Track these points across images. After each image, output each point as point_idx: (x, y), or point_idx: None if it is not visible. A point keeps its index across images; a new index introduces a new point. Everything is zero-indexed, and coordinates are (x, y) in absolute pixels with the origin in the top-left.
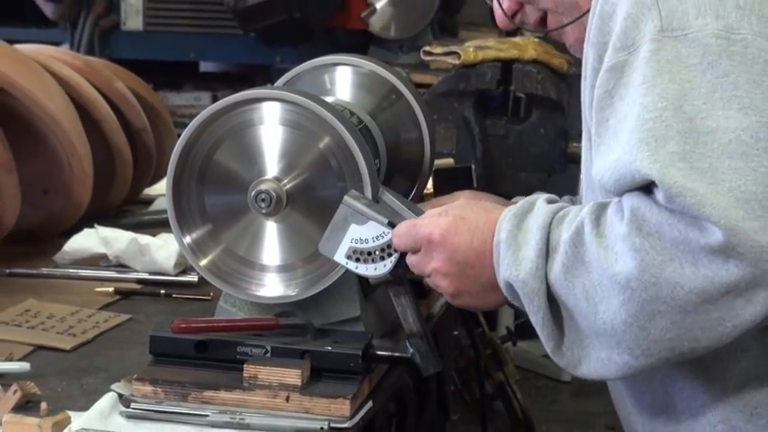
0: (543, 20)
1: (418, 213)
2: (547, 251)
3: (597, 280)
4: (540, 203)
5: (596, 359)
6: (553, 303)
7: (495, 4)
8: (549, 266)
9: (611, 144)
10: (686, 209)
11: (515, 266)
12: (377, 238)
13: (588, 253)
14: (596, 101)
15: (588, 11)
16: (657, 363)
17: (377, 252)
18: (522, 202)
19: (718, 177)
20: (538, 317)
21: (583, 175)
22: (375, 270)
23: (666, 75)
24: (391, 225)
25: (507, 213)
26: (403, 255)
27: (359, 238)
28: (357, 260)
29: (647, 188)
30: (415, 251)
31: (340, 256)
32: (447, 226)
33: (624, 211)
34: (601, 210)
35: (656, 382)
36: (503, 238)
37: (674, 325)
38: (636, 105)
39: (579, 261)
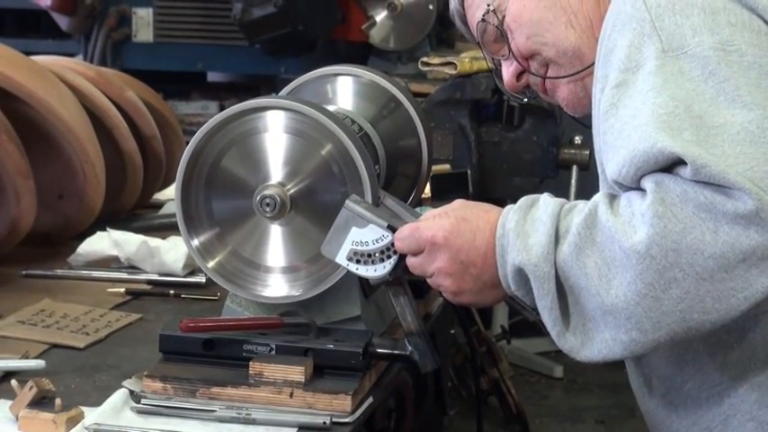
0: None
1: (417, 217)
2: (556, 238)
3: (611, 256)
4: (545, 197)
5: (600, 341)
6: (560, 289)
7: (504, 69)
8: (558, 250)
9: (618, 143)
10: (713, 178)
11: (526, 252)
12: (377, 240)
13: (602, 232)
14: (602, 114)
15: (589, 66)
16: (665, 338)
17: (377, 254)
18: (523, 198)
19: (732, 161)
20: (546, 300)
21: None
22: (375, 271)
23: (673, 83)
24: (391, 228)
25: (510, 209)
26: (402, 256)
27: (359, 241)
28: (357, 261)
29: (668, 169)
30: (418, 253)
31: (341, 258)
32: (450, 228)
33: (647, 187)
34: (613, 196)
35: (683, 393)
36: (511, 228)
37: (687, 295)
38: (647, 105)
39: (591, 241)
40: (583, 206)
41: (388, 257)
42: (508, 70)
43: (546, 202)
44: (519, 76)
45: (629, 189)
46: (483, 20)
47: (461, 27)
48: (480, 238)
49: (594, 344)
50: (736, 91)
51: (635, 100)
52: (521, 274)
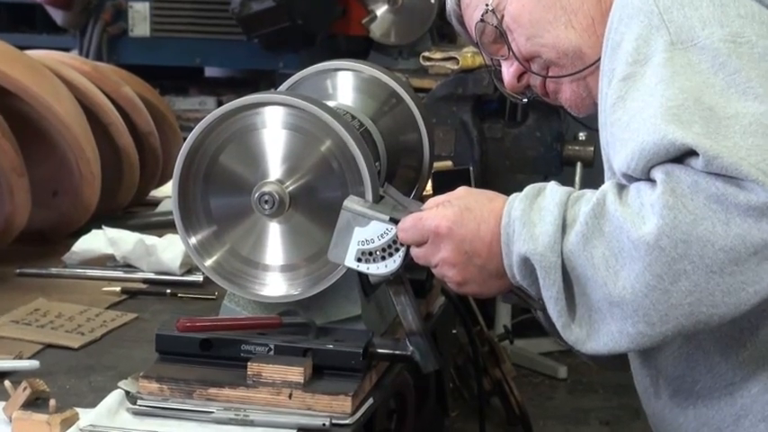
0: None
1: (419, 207)
2: (563, 227)
3: (619, 247)
4: (552, 186)
5: (606, 333)
6: (566, 279)
7: (504, 69)
8: (565, 240)
9: (626, 135)
10: (725, 169)
11: (532, 241)
12: (382, 236)
13: (610, 222)
14: (609, 107)
15: (591, 65)
16: (672, 331)
17: (385, 250)
18: (530, 186)
19: (744, 153)
20: (552, 291)
21: None
22: (386, 267)
23: (682, 76)
24: (393, 221)
25: (516, 197)
26: (409, 247)
27: (365, 240)
28: (367, 261)
29: (679, 160)
30: (422, 244)
31: (350, 261)
32: (453, 217)
33: (656, 177)
34: (622, 185)
35: (693, 394)
36: (516, 216)
37: (696, 287)
38: (656, 97)
39: (599, 231)
40: (591, 195)
41: (397, 250)
42: (509, 71)
43: (553, 191)
44: (520, 76)
45: (638, 181)
46: (482, 20)
47: (458, 28)
48: (485, 227)
49: (600, 336)
50: (748, 83)
51: (643, 93)
52: (526, 264)
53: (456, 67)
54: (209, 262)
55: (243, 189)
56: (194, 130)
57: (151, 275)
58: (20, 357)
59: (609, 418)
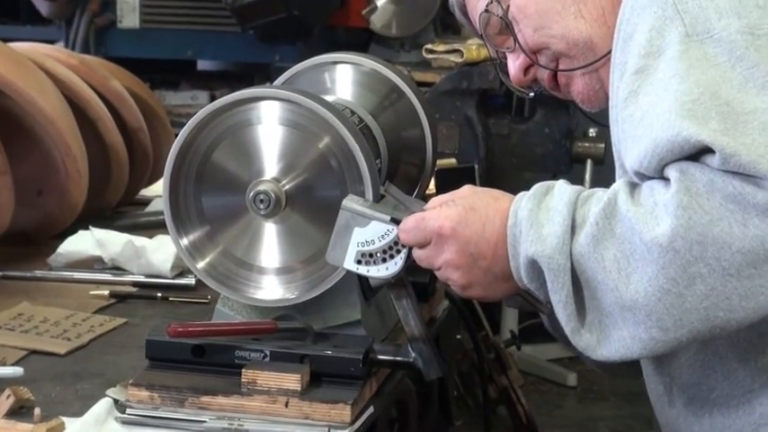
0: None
1: (422, 206)
2: (573, 228)
3: (630, 249)
4: (560, 184)
5: (618, 339)
6: (575, 282)
7: (510, 62)
8: (575, 241)
9: (639, 131)
10: (743, 167)
11: (540, 243)
12: (382, 237)
13: (622, 222)
14: (620, 102)
15: (602, 57)
16: (687, 337)
17: (386, 251)
18: (537, 185)
19: (763, 150)
20: (561, 294)
21: None
22: (387, 270)
23: (698, 69)
24: (394, 221)
25: (523, 196)
26: (411, 249)
27: (365, 241)
28: (367, 263)
29: (694, 158)
30: (424, 245)
31: (350, 263)
32: (457, 218)
33: (671, 176)
34: (635, 184)
35: (709, 402)
36: (524, 217)
37: (712, 291)
38: (670, 92)
39: (610, 232)
40: (601, 194)
41: (398, 252)
42: (515, 64)
43: (562, 190)
44: (526, 69)
45: (651, 179)
46: (486, 10)
47: (462, 19)
48: (490, 228)
49: (612, 342)
50: (767, 77)
51: (657, 87)
52: (534, 267)
53: (460, 60)
54: (201, 264)
55: (237, 188)
56: (186, 126)
57: (141, 278)
58: (3, 364)
59: (620, 427)
